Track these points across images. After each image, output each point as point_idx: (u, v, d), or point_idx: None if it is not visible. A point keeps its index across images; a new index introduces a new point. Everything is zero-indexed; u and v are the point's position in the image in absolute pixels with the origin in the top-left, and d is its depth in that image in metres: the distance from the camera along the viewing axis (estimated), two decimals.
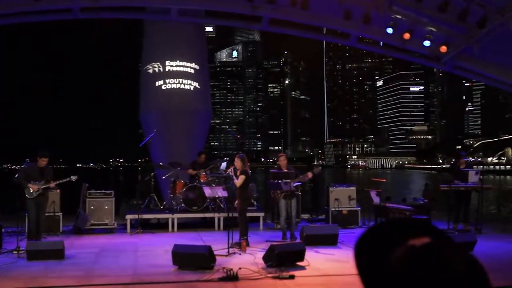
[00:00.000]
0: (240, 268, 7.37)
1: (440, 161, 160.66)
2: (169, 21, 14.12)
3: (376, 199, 11.62)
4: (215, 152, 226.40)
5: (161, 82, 15.05)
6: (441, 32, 11.98)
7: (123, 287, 6.89)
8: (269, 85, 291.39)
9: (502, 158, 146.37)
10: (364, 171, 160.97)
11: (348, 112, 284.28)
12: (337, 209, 12.16)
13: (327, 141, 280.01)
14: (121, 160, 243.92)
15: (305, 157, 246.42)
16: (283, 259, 7.67)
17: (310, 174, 10.40)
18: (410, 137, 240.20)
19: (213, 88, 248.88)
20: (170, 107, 14.84)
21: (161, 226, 12.07)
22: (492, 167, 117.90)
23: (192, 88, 15.20)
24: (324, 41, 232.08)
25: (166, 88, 15.03)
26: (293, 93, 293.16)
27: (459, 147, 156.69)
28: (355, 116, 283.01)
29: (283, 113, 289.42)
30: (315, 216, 13.35)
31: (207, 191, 10.49)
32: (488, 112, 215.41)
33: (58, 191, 11.04)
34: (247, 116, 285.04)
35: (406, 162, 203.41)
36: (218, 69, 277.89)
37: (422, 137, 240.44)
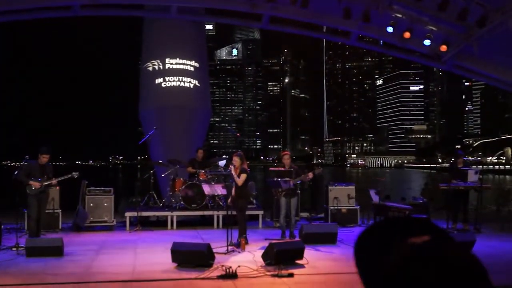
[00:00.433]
0: (239, 266, 7.39)
1: (440, 160, 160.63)
2: (169, 18, 14.11)
3: (375, 198, 11.62)
4: (215, 150, 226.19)
5: (160, 80, 15.03)
6: (441, 31, 11.98)
7: (122, 285, 6.90)
8: (268, 83, 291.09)
9: (502, 157, 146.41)
10: (363, 170, 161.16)
11: (347, 111, 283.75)
12: (336, 207, 12.17)
13: (327, 139, 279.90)
14: (120, 158, 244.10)
15: (304, 155, 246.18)
16: (282, 257, 7.67)
17: (310, 175, 10.41)
18: (410, 136, 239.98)
19: (213, 86, 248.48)
20: (170, 104, 14.81)
21: (160, 224, 12.09)
22: (491, 166, 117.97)
23: (191, 86, 15.18)
24: (324, 40, 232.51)
25: (166, 86, 15.00)
26: (292, 91, 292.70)
27: (459, 146, 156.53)
28: (354, 115, 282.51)
29: (282, 111, 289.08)
30: (314, 214, 13.35)
31: (206, 189, 10.49)
32: (487, 111, 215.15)
33: (57, 188, 11.04)
34: (246, 114, 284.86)
35: (406, 161, 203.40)
36: (218, 67, 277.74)
37: (421, 136, 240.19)
